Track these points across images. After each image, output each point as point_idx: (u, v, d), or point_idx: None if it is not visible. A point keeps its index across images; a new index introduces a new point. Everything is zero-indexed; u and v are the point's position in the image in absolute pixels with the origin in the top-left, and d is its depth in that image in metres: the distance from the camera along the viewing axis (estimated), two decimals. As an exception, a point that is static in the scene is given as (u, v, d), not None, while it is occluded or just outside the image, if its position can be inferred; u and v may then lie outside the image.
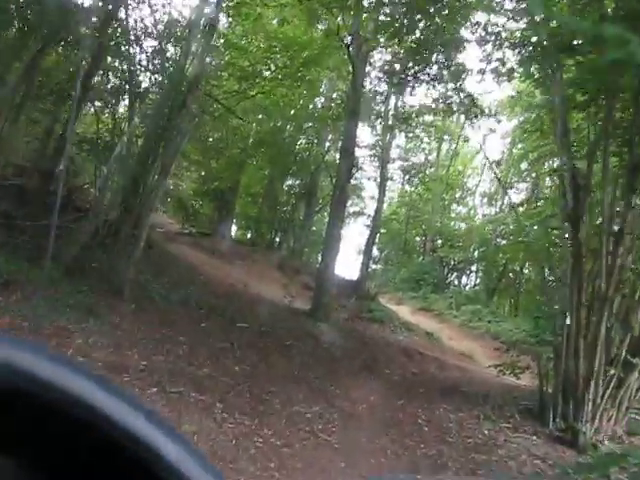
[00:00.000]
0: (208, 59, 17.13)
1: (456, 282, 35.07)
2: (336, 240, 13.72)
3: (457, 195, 35.17)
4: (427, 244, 33.22)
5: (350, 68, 15.06)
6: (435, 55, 13.07)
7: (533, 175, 29.79)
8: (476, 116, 15.20)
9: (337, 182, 14.13)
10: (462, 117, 27.18)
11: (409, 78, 13.90)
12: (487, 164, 34.66)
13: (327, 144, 22.70)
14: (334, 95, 20.00)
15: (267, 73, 16.89)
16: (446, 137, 32.62)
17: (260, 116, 20.60)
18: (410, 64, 13.35)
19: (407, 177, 25.65)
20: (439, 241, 33.00)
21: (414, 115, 17.88)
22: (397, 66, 14.45)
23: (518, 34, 12.66)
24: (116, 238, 13.27)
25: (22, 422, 0.65)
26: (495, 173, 29.84)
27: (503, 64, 13.35)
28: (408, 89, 14.26)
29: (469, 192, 35.91)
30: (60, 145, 12.99)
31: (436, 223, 31.71)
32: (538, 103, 15.50)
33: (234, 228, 28.14)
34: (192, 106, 15.98)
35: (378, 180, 23.06)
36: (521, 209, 32.08)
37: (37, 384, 0.62)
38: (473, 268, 35.54)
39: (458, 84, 13.21)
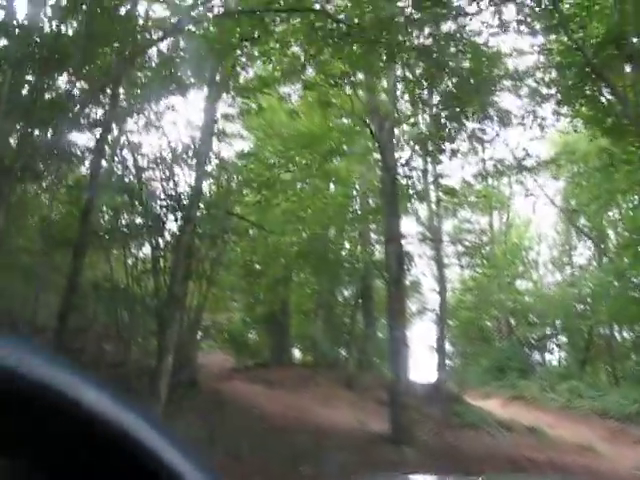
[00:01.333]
0: (224, 177, 16.02)
1: (539, 360, 32.41)
2: (402, 344, 11.71)
3: (520, 269, 32.79)
4: (502, 327, 30.75)
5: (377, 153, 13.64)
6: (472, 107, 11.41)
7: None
8: (530, 170, 13.31)
9: (389, 278, 12.24)
10: (508, 182, 25.85)
11: (445, 141, 12.25)
12: (540, 234, 32.82)
13: (373, 237, 21.03)
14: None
15: (287, 176, 15.55)
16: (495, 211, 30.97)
17: (294, 226, 19.09)
18: (444, 121, 11.71)
19: (465, 260, 23.51)
20: (511, 320, 30.64)
21: (459, 185, 16.09)
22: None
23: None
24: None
25: (21, 423, 0.64)
26: (577, 226, 27.71)
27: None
28: (446, 155, 12.60)
29: (531, 264, 33.69)
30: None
31: (507, 302, 29.25)
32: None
33: (294, 351, 26.26)
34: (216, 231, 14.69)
35: (434, 269, 21.07)
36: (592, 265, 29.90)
37: (35, 384, 0.61)
38: (551, 341, 32.96)
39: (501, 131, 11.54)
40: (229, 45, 10.28)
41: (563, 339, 32.46)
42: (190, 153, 13.42)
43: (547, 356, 33.30)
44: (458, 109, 10.87)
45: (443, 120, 11.83)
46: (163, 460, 0.64)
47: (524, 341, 30.86)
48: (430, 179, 19.45)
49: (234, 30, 10.15)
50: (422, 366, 35.75)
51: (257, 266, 20.84)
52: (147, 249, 14.29)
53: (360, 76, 11.19)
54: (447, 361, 21.86)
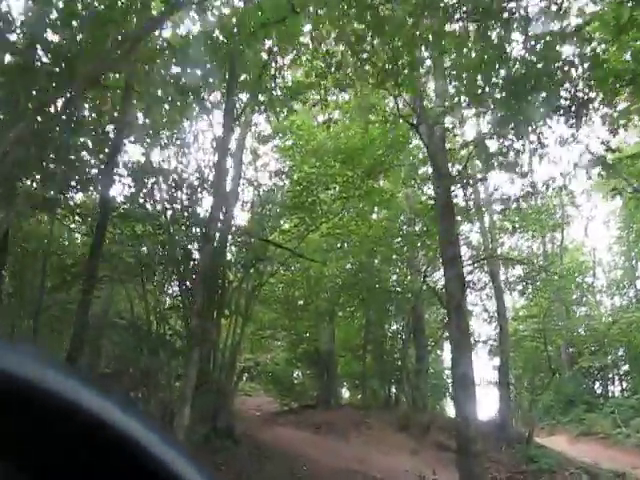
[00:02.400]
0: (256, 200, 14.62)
1: (602, 392, 30.08)
2: (468, 380, 9.86)
3: (575, 295, 30.51)
4: (564, 357, 28.50)
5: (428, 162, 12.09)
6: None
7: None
8: (613, 166, 11.47)
9: (448, 304, 10.51)
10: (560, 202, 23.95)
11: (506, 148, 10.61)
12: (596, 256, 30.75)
13: (423, 266, 19.24)
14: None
15: (326, 197, 14.03)
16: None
17: (337, 255, 17.44)
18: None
19: (521, 285, 21.48)
20: (570, 349, 28.41)
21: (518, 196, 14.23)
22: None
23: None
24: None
25: (19, 425, 0.64)
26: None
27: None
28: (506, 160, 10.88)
29: (589, 289, 31.43)
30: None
31: (569, 331, 26.98)
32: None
33: (342, 392, 24.45)
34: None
35: (492, 292, 19.14)
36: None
37: (34, 387, 0.61)
38: (613, 371, 30.62)
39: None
40: (253, 33, 8.86)
41: (625, 368, 30.27)
42: (215, 174, 12.03)
43: (610, 387, 31.26)
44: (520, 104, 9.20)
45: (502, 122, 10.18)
46: (162, 463, 0.64)
47: (586, 372, 28.72)
48: (482, 195, 17.76)
49: (256, 15, 8.81)
50: (481, 402, 33.34)
51: (298, 300, 19.19)
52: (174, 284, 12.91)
53: (405, 71, 9.67)
54: (511, 396, 19.78)
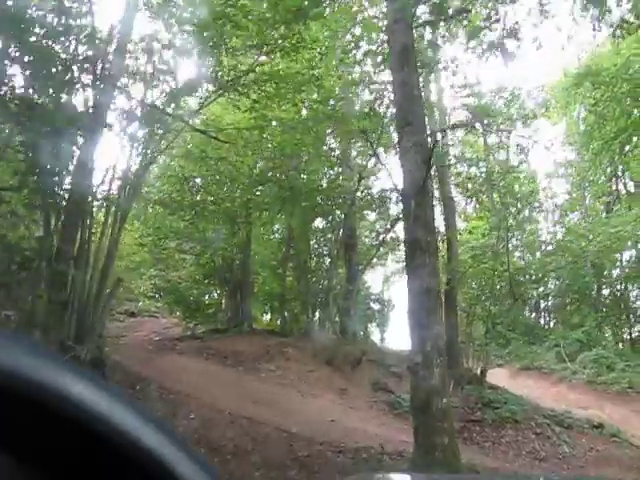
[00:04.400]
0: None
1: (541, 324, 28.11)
2: (431, 296, 6.56)
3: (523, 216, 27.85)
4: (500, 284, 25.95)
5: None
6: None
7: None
8: None
9: (405, 189, 7.04)
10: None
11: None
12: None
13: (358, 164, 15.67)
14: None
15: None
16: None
17: (253, 142, 13.55)
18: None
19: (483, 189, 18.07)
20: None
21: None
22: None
23: None
24: None
25: (18, 420, 0.64)
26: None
27: None
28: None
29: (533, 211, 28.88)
30: None
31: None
32: None
33: (259, 315, 21.12)
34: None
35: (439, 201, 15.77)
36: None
37: (31, 382, 0.60)
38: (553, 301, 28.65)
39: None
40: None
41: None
42: None
43: (547, 318, 29.43)
44: None
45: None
46: (160, 457, 0.64)
47: (529, 303, 26.47)
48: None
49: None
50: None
51: (201, 195, 15.45)
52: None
53: None
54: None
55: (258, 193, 15.02)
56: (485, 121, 12.86)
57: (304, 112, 14.20)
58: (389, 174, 19.68)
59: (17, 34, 8.13)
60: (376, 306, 27.24)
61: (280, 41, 10.13)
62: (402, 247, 21.35)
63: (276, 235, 19.73)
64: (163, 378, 10.64)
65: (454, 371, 13.00)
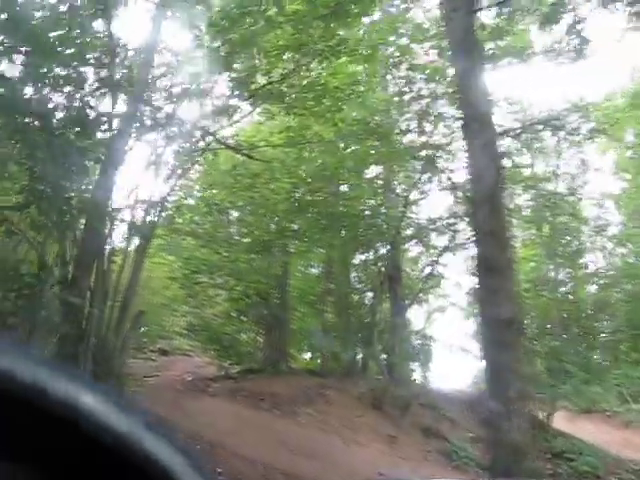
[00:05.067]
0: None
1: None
2: (512, 329, 5.26)
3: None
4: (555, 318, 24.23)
5: None
6: None
7: None
8: None
9: (474, 197, 5.85)
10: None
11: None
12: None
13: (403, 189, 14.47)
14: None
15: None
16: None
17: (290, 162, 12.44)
18: None
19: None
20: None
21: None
22: None
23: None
24: None
25: (17, 424, 0.64)
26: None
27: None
28: None
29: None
30: None
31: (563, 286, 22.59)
32: None
33: (297, 354, 19.86)
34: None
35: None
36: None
37: (30, 387, 0.61)
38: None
39: None
40: None
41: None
42: None
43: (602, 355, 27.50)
44: None
45: None
46: (159, 460, 0.63)
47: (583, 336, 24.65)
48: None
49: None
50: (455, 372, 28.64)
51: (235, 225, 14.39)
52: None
53: None
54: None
55: (295, 221, 13.86)
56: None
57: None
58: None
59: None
60: (419, 343, 25.83)
61: (318, 44, 9.10)
62: (444, 282, 20.24)
63: (315, 268, 18.54)
64: (190, 423, 9.46)
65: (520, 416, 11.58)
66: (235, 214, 15.18)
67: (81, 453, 0.64)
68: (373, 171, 14.56)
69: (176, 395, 12.26)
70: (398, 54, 11.56)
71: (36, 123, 7.95)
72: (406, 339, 17.74)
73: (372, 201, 15.00)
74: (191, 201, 16.10)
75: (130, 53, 9.59)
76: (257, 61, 9.20)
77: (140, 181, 10.06)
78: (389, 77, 12.25)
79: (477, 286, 5.91)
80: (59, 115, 8.15)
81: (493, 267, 5.32)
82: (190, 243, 16.42)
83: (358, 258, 17.55)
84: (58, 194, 7.39)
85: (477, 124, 5.90)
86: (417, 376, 22.96)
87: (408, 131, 12.18)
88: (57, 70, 8.45)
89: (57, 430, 0.62)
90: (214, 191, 14.83)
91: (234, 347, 17.11)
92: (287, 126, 10.82)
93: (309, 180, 12.56)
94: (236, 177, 12.29)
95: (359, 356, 16.93)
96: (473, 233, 6.19)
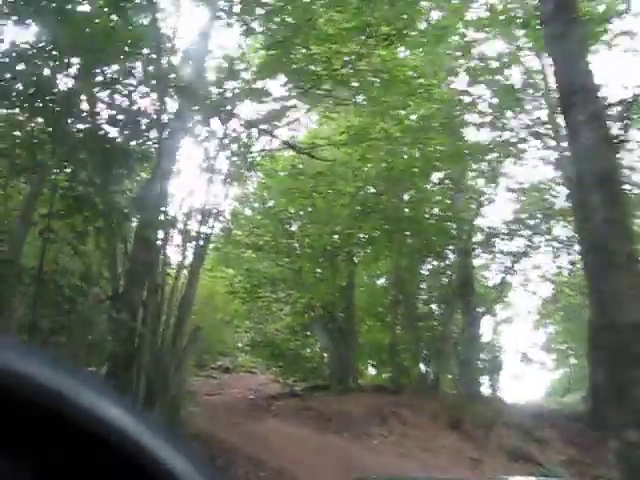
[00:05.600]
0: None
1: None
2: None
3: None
4: None
5: None
6: None
7: None
8: None
9: (580, 179, 4.86)
10: None
11: None
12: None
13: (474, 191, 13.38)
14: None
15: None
16: None
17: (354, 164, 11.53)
18: None
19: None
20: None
21: None
22: None
23: None
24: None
25: (17, 423, 0.63)
26: None
27: None
28: None
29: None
30: None
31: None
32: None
33: (365, 369, 18.95)
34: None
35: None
36: None
37: (31, 384, 0.60)
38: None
39: None
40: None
41: None
42: None
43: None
44: None
45: None
46: (160, 459, 0.62)
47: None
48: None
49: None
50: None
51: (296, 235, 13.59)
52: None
53: None
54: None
55: (360, 228, 12.96)
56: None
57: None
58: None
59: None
60: (491, 356, 24.57)
61: (384, 27, 8.23)
62: (512, 292, 18.97)
63: (381, 278, 17.61)
64: (253, 447, 8.69)
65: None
66: (296, 223, 14.40)
67: (81, 452, 0.62)
68: (442, 172, 13.51)
69: (237, 416, 11.52)
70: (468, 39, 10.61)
71: (79, 125, 7.36)
72: (480, 351, 16.61)
73: (440, 205, 14.01)
74: (248, 211, 15.47)
75: (181, 49, 9.00)
76: (316, 48, 8.40)
77: (194, 188, 9.29)
78: (459, 66, 11.25)
79: (590, 286, 4.90)
80: (105, 114, 7.53)
81: (613, 262, 4.37)
82: (251, 256, 15.82)
83: (427, 266, 16.56)
84: (104, 199, 6.73)
85: (578, 96, 4.95)
86: (485, 390, 21.75)
87: (481, 126, 11.14)
88: (105, 68, 7.91)
89: (57, 428, 0.60)
90: (272, 201, 14.16)
91: (298, 363, 16.35)
92: (349, 125, 9.99)
93: (374, 183, 11.61)
94: (296, 179, 11.47)
95: (430, 370, 15.91)
96: (580, 225, 5.20)
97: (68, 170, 6.64)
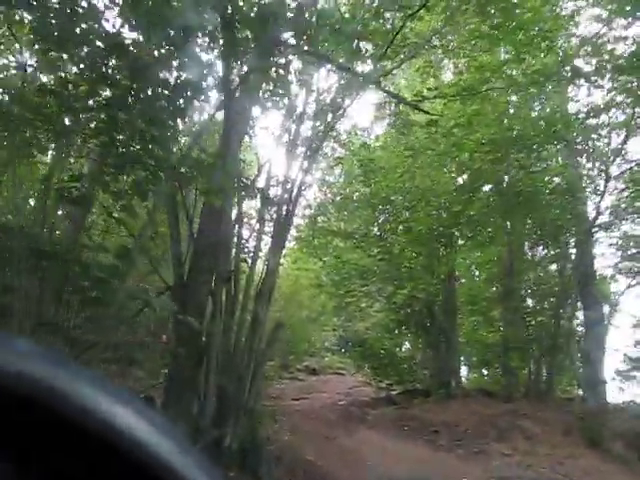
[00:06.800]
0: None
1: None
2: None
3: None
4: None
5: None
6: None
7: None
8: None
9: None
10: None
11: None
12: None
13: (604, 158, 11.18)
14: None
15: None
16: None
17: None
18: None
19: None
20: None
21: None
22: None
23: None
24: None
25: (19, 423, 0.60)
26: None
27: None
28: None
29: None
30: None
31: None
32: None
33: (466, 370, 17.10)
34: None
35: None
36: None
37: (36, 384, 0.58)
38: None
39: None
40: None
41: None
42: None
43: None
44: None
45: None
46: (165, 463, 0.60)
47: None
48: None
49: None
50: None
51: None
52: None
53: None
54: None
55: (467, 206, 10.96)
56: None
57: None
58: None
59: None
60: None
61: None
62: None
63: (485, 269, 15.60)
64: (349, 472, 7.04)
65: None
66: (392, 205, 12.58)
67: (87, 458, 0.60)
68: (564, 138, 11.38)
69: (328, 426, 9.90)
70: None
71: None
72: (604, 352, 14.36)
73: (558, 177, 11.85)
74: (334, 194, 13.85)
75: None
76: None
77: (271, 161, 7.70)
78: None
79: None
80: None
81: None
82: (338, 245, 14.23)
83: (539, 252, 14.43)
84: (157, 156, 5.17)
85: None
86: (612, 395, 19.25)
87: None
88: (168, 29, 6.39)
89: (64, 432, 0.57)
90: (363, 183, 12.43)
91: (393, 364, 14.64)
92: (459, 77, 8.17)
93: (489, 148, 9.59)
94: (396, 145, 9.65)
95: (543, 372, 13.81)
96: None
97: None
